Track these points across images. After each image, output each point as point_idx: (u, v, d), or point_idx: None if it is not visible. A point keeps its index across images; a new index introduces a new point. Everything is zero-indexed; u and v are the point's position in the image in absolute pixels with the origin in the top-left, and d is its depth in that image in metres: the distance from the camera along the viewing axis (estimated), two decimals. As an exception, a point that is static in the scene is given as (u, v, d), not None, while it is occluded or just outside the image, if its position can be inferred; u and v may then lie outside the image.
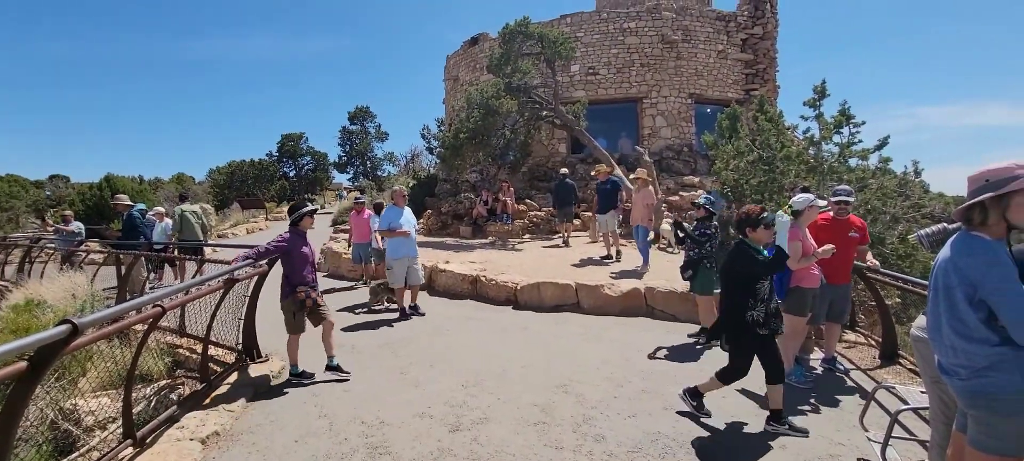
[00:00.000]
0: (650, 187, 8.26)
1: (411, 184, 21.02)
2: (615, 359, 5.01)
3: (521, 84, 12.00)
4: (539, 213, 13.23)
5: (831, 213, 4.52)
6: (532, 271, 8.05)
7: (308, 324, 4.56)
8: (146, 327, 3.40)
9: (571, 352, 5.27)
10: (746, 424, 3.75)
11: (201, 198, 35.42)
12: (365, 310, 7.28)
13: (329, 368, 4.55)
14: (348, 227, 9.66)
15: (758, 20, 15.39)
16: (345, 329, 6.24)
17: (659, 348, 5.35)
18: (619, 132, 15.49)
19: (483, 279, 7.84)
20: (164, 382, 4.48)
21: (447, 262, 8.87)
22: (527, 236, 12.30)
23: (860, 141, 6.84)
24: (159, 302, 3.26)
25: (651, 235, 8.05)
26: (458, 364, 4.95)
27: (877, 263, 5.03)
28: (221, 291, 4.16)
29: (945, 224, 2.93)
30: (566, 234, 11.03)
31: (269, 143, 47.63)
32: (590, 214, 11.00)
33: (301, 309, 4.43)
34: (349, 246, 9.57)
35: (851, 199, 4.59)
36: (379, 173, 43.21)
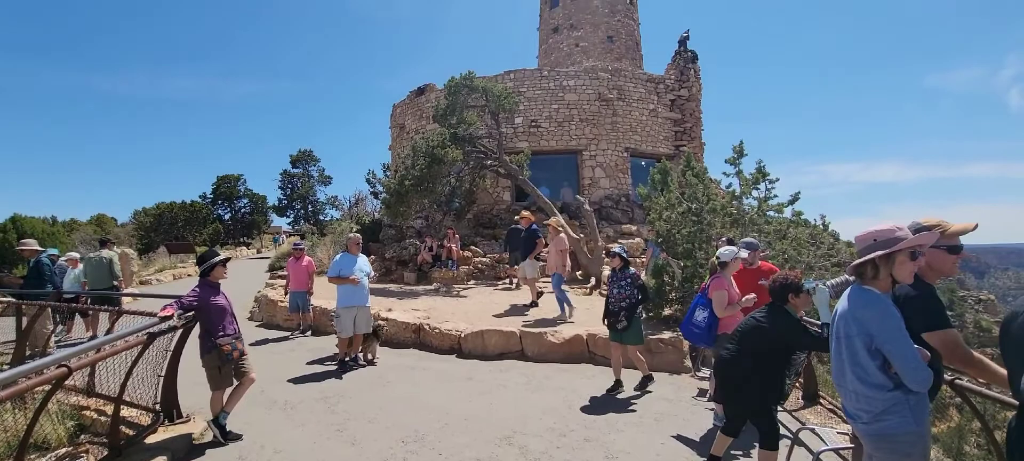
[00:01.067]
0: (562, 234, 8.58)
1: (355, 229, 20.57)
2: (559, 407, 5.05)
3: (466, 134, 12.29)
4: (484, 259, 13.30)
5: (741, 263, 4.91)
6: (477, 318, 8.03)
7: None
8: (48, 389, 3.10)
9: (515, 401, 5.26)
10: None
11: (123, 241, 32.88)
12: (317, 362, 6.96)
13: (214, 423, 4.22)
14: (286, 274, 9.27)
15: (684, 83, 16.76)
16: (283, 382, 5.93)
17: (615, 385, 5.52)
18: (561, 181, 16.06)
19: (427, 328, 7.73)
20: (64, 451, 4.04)
21: (390, 310, 8.69)
22: (472, 282, 12.28)
23: (776, 195, 7.51)
24: (65, 363, 3.00)
25: (592, 281, 8.33)
26: (399, 418, 4.82)
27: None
28: (140, 347, 3.88)
29: (846, 276, 3.27)
30: (516, 278, 11.19)
31: (205, 185, 45.42)
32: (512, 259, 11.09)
33: (227, 363, 4.20)
34: (285, 293, 9.19)
35: (757, 248, 5.08)
36: (321, 217, 41.97)
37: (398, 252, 14.22)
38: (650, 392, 5.49)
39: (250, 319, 10.19)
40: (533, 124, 15.75)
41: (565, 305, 8.01)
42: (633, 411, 5.03)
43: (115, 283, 8.48)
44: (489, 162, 13.19)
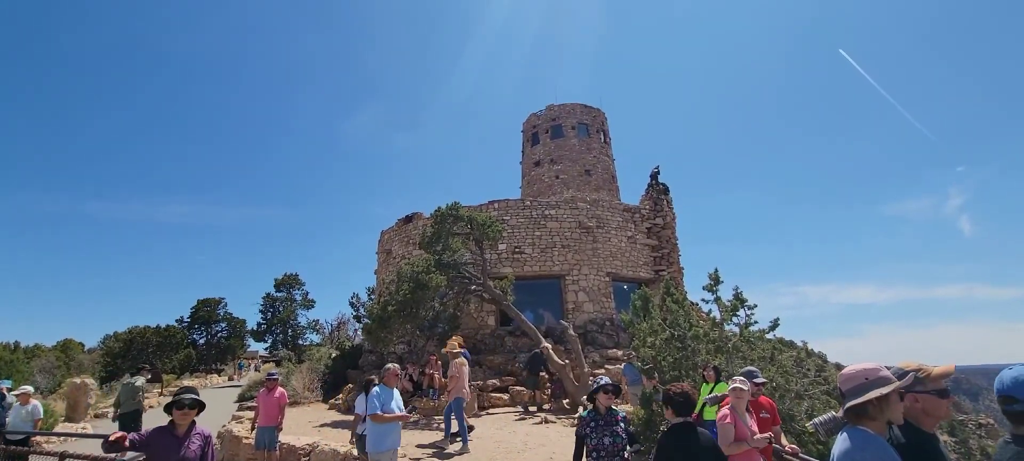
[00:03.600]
0: (461, 358, 8.52)
1: (333, 355, 19.87)
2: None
3: (451, 260, 12.49)
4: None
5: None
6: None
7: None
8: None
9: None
10: None
11: (86, 369, 31.12)
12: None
13: None
14: (255, 405, 8.73)
15: (658, 212, 17.68)
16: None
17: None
18: (544, 306, 16.06)
19: (402, 467, 7.19)
20: None
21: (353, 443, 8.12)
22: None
23: (756, 322, 7.56)
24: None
25: (580, 411, 7.99)
26: None
27: (796, 447, 5.12)
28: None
29: (834, 413, 3.21)
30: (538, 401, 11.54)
31: (184, 309, 44.37)
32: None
33: None
34: (253, 428, 8.59)
35: (756, 377, 4.91)
36: (300, 342, 40.65)
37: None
38: None
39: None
40: (517, 250, 16.13)
41: (464, 438, 7.88)
42: None
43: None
44: (473, 287, 13.25)
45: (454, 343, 9.03)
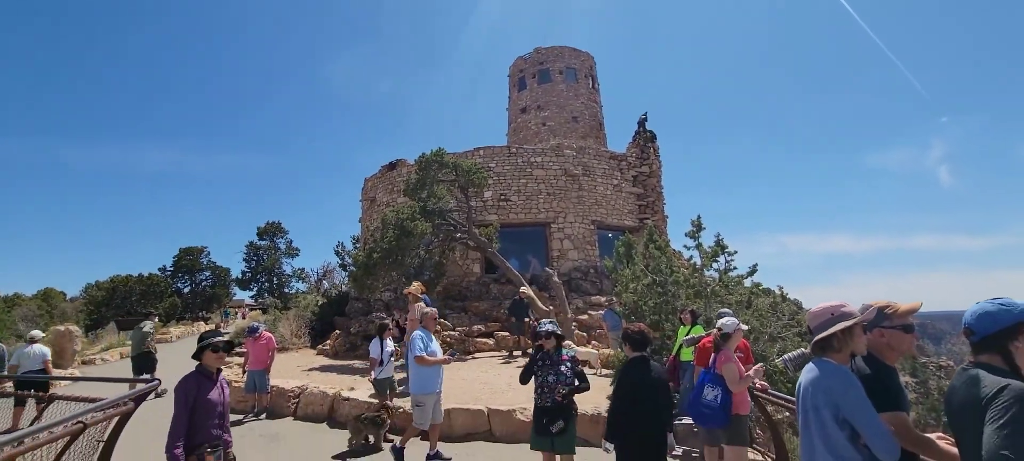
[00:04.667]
0: (421, 303, 8.66)
1: (320, 302, 19.98)
2: None
3: (436, 208, 12.42)
4: (454, 332, 13.03)
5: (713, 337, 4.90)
6: (443, 395, 7.73)
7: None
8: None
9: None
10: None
11: (69, 317, 30.93)
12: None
13: None
14: (244, 350, 8.87)
15: (644, 160, 17.64)
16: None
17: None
18: (530, 253, 16.20)
19: (390, 407, 7.38)
20: None
21: (352, 389, 8.31)
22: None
23: (735, 268, 7.73)
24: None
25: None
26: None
27: (766, 384, 5.34)
28: (66, 439, 3.55)
29: (803, 350, 3.33)
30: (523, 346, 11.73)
31: (167, 258, 43.82)
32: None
33: None
34: (243, 372, 8.72)
35: (745, 327, 5.02)
36: (286, 290, 40.74)
37: (364, 326, 13.82)
38: None
39: (201, 401, 9.54)
40: (502, 198, 16.07)
41: None
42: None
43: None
44: (459, 235, 13.26)
45: (415, 289, 9.16)
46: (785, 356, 3.50)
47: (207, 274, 44.61)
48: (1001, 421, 1.68)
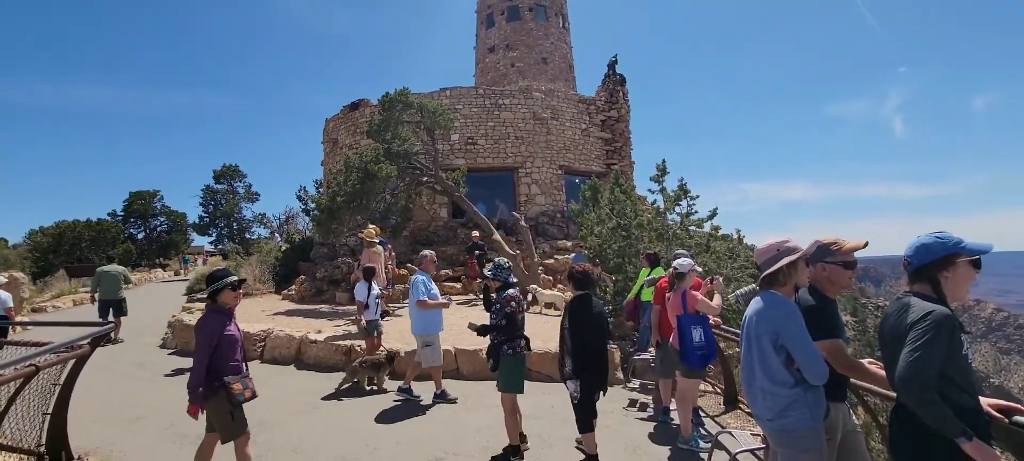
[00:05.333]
0: (376, 248, 8.77)
1: (283, 248, 19.60)
2: (493, 425, 4.99)
3: (401, 150, 12.12)
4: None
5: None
6: (412, 338, 7.85)
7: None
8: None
9: (448, 422, 5.17)
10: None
11: (13, 264, 29.37)
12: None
13: None
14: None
15: (613, 105, 17.56)
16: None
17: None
18: (497, 198, 16.18)
19: (359, 350, 7.46)
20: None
21: (319, 332, 8.32)
22: (407, 301, 12.04)
23: (697, 212, 7.97)
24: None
25: (529, 297, 8.42)
26: (324, 448, 4.59)
27: (718, 320, 5.55)
28: (18, 382, 3.46)
29: (753, 286, 3.52)
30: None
31: (115, 202, 41.69)
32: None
33: (239, 406, 3.44)
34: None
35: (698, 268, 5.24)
36: (247, 236, 39.67)
37: (330, 271, 13.70)
38: None
39: (162, 346, 9.40)
40: (470, 141, 15.82)
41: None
42: (567, 423, 5.08)
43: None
44: (425, 179, 13.07)
45: (370, 232, 9.17)
46: (737, 292, 3.70)
47: (162, 220, 42.76)
48: (915, 344, 1.84)
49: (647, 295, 6.44)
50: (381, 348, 6.90)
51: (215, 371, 3.43)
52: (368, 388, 6.25)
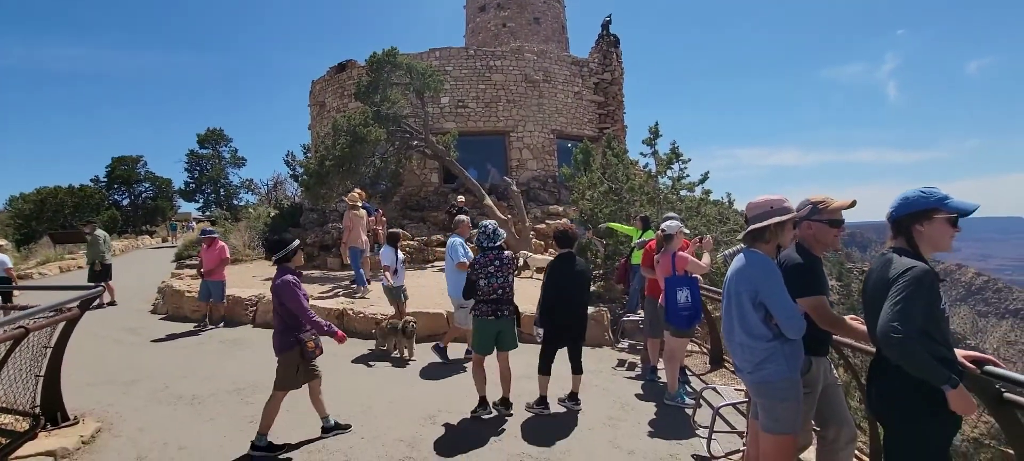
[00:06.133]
0: (359, 212, 8.81)
1: (272, 214, 19.42)
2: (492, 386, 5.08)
3: (390, 113, 11.91)
4: (412, 242, 13.08)
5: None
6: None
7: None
8: None
9: (447, 383, 5.27)
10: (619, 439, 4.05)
11: (-6, 232, 28.87)
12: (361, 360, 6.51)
13: (328, 429, 4.00)
14: (198, 261, 8.64)
15: (607, 67, 17.28)
16: (196, 377, 5.52)
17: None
18: (489, 163, 16.06)
19: (350, 313, 7.52)
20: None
21: (311, 297, 8.33)
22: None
23: (688, 175, 7.98)
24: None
25: (520, 262, 8.50)
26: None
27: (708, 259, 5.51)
28: (9, 343, 3.45)
29: (742, 246, 3.56)
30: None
31: (98, 168, 40.80)
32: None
33: (307, 360, 3.78)
34: (201, 275, 8.42)
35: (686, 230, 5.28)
36: (235, 202, 39.19)
37: (321, 236, 13.65)
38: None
39: (153, 312, 9.39)
40: (460, 104, 15.58)
41: (362, 283, 8.61)
42: (556, 382, 5.19)
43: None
44: (415, 142, 12.91)
45: (354, 196, 9.15)
46: (725, 252, 3.74)
47: (146, 185, 41.97)
48: (896, 298, 1.87)
49: (637, 258, 6.51)
50: (408, 317, 6.74)
51: (290, 328, 3.69)
52: (394, 354, 6.20)
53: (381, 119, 11.59)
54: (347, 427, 4.07)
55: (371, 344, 6.76)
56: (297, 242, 3.84)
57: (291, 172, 28.19)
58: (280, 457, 3.70)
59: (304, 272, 11.88)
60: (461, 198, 12.14)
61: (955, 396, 1.81)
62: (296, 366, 3.72)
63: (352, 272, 9.50)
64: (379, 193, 14.36)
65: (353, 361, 6.13)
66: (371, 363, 6.05)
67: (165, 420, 4.38)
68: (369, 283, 9.03)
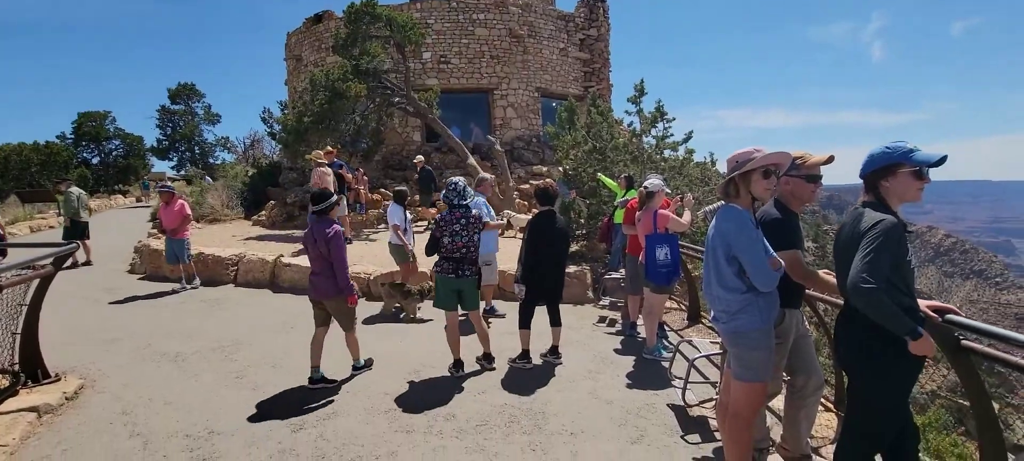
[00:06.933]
0: (325, 170, 8.76)
1: (251, 173, 19.00)
2: (468, 341, 5.17)
3: (370, 68, 11.57)
4: (394, 202, 12.97)
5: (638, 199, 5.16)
6: (387, 260, 7.90)
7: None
8: None
9: (428, 339, 5.34)
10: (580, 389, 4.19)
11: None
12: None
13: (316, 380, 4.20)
14: (158, 220, 8.27)
15: (593, 22, 16.91)
16: (179, 336, 5.50)
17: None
18: (472, 122, 15.83)
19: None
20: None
21: (294, 255, 8.28)
22: (382, 226, 11.99)
23: (672, 135, 7.98)
24: None
25: (504, 221, 8.48)
26: (303, 362, 4.70)
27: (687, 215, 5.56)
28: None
29: (721, 202, 3.61)
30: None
31: (63, 124, 39.11)
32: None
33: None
34: (162, 234, 8.20)
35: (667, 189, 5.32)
36: (211, 160, 38.18)
37: (301, 196, 13.44)
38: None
39: (131, 272, 9.24)
40: (442, 59, 15.18)
41: None
42: (539, 339, 5.30)
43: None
44: (396, 99, 12.61)
45: (318, 153, 9.04)
46: (706, 208, 3.80)
47: (116, 143, 40.53)
48: (866, 250, 1.94)
49: (619, 217, 6.57)
50: (413, 280, 6.57)
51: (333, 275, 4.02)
52: (402, 316, 6.14)
53: (360, 74, 11.26)
54: (369, 364, 4.50)
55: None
56: (336, 196, 4.26)
57: (268, 129, 27.44)
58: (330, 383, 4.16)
59: (288, 231, 11.82)
60: (420, 158, 11.99)
61: (918, 346, 1.92)
62: (347, 305, 4.13)
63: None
64: (360, 151, 14.11)
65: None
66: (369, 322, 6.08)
67: (149, 377, 4.39)
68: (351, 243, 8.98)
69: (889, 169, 2.07)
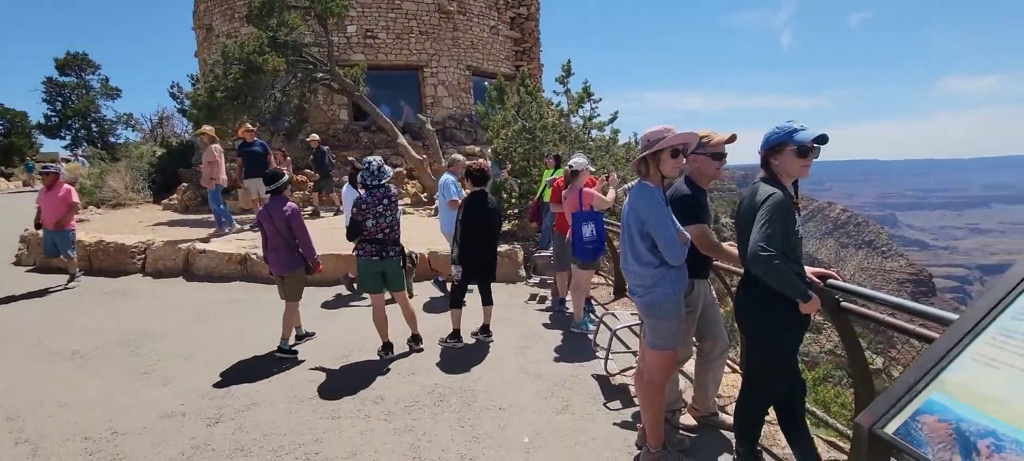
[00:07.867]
0: (214, 146, 8.67)
1: (159, 153, 17.44)
2: (395, 322, 5.11)
3: (289, 40, 10.88)
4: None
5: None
6: (325, 242, 7.60)
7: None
8: None
9: (355, 322, 5.23)
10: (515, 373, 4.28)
11: None
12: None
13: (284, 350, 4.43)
14: (37, 209, 6.98)
15: (523, 0, 16.83)
16: (78, 331, 5.00)
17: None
18: (402, 100, 15.40)
19: (254, 257, 7.11)
20: None
21: (207, 242, 7.76)
22: (308, 208, 11.48)
23: (599, 115, 8.20)
24: None
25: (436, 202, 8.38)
26: (222, 352, 4.47)
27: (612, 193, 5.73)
28: None
29: (638, 179, 3.78)
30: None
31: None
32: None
33: (308, 276, 4.56)
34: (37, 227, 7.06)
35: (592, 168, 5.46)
36: (112, 139, 34.58)
37: (217, 177, 12.53)
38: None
39: (17, 264, 8.28)
40: (369, 34, 14.57)
41: (223, 219, 8.60)
42: (469, 317, 5.34)
43: None
44: (320, 75, 11.98)
45: (206, 130, 8.67)
46: (625, 185, 3.96)
47: (-6, 119, 35.75)
48: (762, 221, 2.14)
49: (548, 196, 6.70)
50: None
51: (293, 247, 4.29)
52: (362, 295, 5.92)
53: (278, 47, 10.56)
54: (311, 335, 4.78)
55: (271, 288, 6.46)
56: (288, 176, 4.41)
57: (178, 106, 25.25)
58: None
59: (203, 216, 11.02)
60: (314, 137, 11.50)
61: (808, 307, 2.16)
62: (304, 280, 4.42)
63: (251, 213, 8.89)
64: (282, 130, 13.32)
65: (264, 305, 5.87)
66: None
67: (40, 378, 3.99)
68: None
69: (777, 148, 2.27)
